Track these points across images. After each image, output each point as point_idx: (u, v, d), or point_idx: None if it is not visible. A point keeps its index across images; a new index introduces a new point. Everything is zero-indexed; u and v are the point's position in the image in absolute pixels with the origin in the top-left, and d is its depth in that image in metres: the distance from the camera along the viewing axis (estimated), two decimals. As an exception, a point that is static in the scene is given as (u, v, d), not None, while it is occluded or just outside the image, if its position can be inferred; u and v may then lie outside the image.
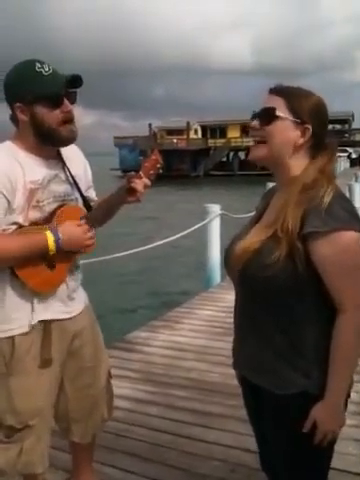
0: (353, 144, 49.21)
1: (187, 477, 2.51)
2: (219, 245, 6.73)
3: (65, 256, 1.83)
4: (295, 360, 1.43)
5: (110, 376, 2.18)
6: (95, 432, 2.18)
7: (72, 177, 1.88)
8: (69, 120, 1.74)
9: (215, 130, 53.42)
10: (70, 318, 1.93)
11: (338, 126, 50.36)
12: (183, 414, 3.13)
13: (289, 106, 1.42)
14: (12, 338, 1.80)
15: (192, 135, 52.46)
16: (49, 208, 1.79)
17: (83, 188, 1.94)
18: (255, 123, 1.47)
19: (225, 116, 53.04)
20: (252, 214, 1.69)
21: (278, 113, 1.42)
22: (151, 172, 1.81)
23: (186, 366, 3.89)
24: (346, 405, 1.48)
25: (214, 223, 6.70)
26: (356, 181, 16.24)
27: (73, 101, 1.75)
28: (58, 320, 1.88)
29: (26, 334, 1.81)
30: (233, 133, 51.29)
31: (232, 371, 1.70)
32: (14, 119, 1.78)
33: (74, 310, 1.96)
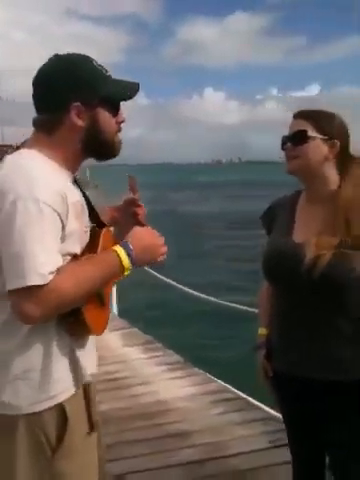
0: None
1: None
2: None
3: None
4: None
5: None
6: None
7: (86, 197, 1.52)
8: (119, 131, 1.48)
9: None
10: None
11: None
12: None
13: (317, 126, 1.66)
14: (61, 406, 1.36)
15: None
16: (88, 234, 1.47)
17: None
18: (289, 145, 1.69)
19: None
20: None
21: (310, 134, 1.66)
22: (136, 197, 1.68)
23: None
24: None
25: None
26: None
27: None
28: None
29: (74, 397, 1.40)
30: None
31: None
32: (51, 124, 1.38)
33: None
